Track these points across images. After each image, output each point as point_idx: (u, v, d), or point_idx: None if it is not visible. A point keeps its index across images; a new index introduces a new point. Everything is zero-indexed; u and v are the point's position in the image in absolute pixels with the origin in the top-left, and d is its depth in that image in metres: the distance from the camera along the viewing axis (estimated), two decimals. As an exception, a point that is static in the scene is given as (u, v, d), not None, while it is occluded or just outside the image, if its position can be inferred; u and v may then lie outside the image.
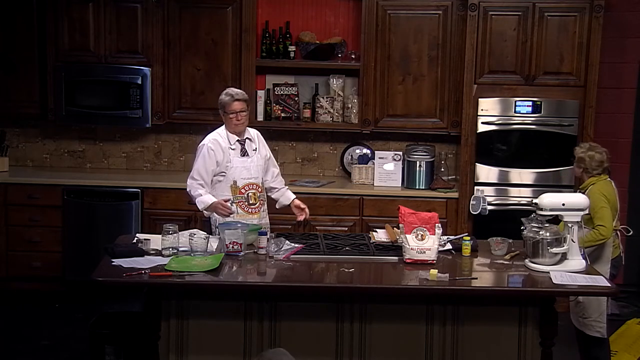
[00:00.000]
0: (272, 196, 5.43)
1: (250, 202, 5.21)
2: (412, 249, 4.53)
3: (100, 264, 4.42)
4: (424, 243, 4.53)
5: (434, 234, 4.55)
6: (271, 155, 5.44)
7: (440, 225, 4.60)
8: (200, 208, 5.15)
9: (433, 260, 4.53)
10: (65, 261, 6.69)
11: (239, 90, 5.27)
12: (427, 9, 6.64)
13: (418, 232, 4.54)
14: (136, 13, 6.72)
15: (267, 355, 3.12)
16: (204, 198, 5.11)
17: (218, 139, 5.20)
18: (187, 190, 5.21)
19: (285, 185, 5.50)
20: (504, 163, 6.53)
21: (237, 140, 5.22)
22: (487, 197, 6.33)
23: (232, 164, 5.17)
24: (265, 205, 5.35)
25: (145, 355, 4.42)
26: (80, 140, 7.25)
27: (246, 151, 5.24)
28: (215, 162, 5.15)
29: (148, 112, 6.78)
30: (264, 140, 5.42)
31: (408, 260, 4.53)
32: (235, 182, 5.17)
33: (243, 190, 5.19)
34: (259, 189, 5.25)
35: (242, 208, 5.18)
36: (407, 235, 4.55)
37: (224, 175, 5.18)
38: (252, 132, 5.35)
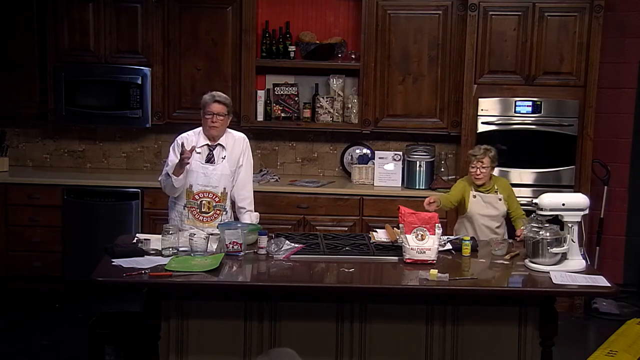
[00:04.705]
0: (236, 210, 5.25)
1: (203, 210, 5.07)
2: (412, 249, 4.52)
3: (100, 264, 4.42)
4: (424, 243, 4.53)
5: (434, 234, 4.55)
6: (246, 167, 5.21)
7: (440, 225, 4.60)
8: (171, 174, 4.94)
9: (433, 260, 4.53)
10: (65, 261, 6.69)
11: (223, 94, 5.13)
12: (427, 9, 6.64)
13: (418, 232, 4.54)
14: (136, 13, 6.72)
15: (272, 354, 3.13)
16: (169, 166, 4.99)
17: (188, 137, 5.10)
18: (161, 187, 5.13)
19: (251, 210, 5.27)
20: (504, 163, 6.49)
21: (207, 145, 5.09)
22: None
23: (191, 167, 5.02)
24: (226, 216, 5.13)
25: (145, 355, 4.41)
26: (80, 140, 7.24)
27: (212, 158, 5.10)
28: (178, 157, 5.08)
29: (148, 112, 6.78)
30: (249, 149, 5.22)
31: (408, 260, 4.53)
32: (191, 186, 5.06)
33: (197, 197, 5.06)
34: (217, 199, 5.08)
35: (193, 214, 5.07)
36: (407, 235, 4.54)
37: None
38: (233, 139, 5.16)
